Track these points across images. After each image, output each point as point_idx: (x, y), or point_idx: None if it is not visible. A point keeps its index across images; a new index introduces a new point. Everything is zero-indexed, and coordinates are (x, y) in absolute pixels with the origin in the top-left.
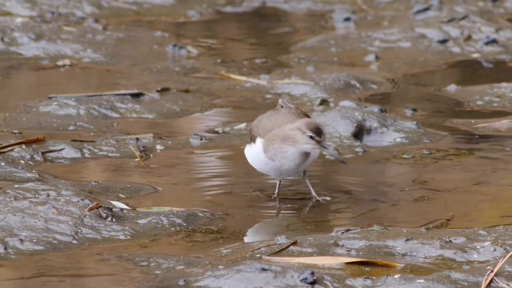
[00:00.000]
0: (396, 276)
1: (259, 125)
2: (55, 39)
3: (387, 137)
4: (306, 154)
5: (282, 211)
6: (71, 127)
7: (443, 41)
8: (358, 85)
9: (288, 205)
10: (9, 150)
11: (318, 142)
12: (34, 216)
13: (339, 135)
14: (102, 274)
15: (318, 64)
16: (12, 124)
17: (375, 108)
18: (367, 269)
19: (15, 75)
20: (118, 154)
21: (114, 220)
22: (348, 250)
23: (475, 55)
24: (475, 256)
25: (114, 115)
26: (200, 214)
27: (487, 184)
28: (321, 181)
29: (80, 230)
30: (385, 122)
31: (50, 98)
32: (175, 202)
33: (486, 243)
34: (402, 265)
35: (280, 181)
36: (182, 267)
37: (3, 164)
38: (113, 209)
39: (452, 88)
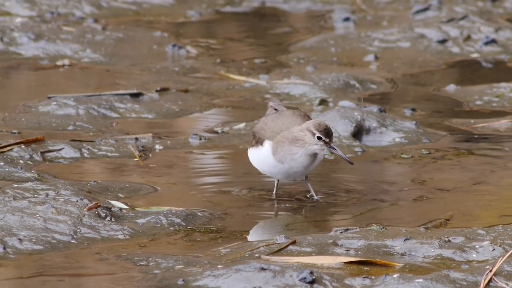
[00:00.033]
0: (395, 275)
1: (266, 127)
2: (54, 39)
3: (386, 137)
4: (314, 156)
5: (281, 211)
6: (70, 127)
7: (443, 41)
8: (357, 85)
9: (287, 205)
10: (8, 150)
11: (327, 143)
12: (33, 216)
13: (338, 135)
14: (101, 273)
15: (317, 64)
16: (11, 124)
17: (374, 108)
18: (366, 268)
19: (15, 75)
20: (117, 154)
21: (113, 220)
22: (347, 250)
23: (475, 55)
24: (474, 255)
25: (114, 115)
26: (199, 213)
27: (486, 183)
28: (320, 181)
29: (79, 230)
30: (384, 122)
31: (49, 98)
32: (174, 201)
33: (485, 243)
34: (401, 264)
35: (278, 180)
36: (181, 266)
37: (2, 164)
38: (112, 209)
39: (451, 88)
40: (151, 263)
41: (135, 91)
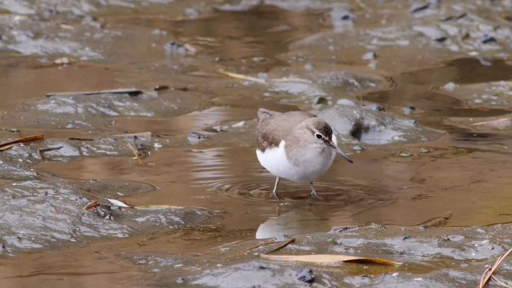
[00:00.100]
0: (394, 274)
1: (279, 128)
2: (53, 37)
3: (385, 135)
4: (328, 155)
5: (280, 210)
6: (69, 126)
7: (441, 39)
8: (356, 83)
9: (286, 203)
10: (7, 149)
11: (326, 142)
12: (32, 214)
13: (337, 133)
14: (100, 272)
15: (316, 63)
16: (10, 122)
17: (373, 107)
18: (365, 267)
19: (13, 73)
20: (116, 153)
21: (112, 218)
22: (346, 248)
23: (473, 54)
24: (473, 254)
25: (112, 113)
26: (198, 212)
27: (485, 182)
28: (319, 180)
29: (78, 228)
30: (383, 121)
31: (48, 96)
32: (173, 200)
33: (484, 241)
34: (400, 263)
35: (279, 179)
36: (180, 265)
37: (1, 162)
38: (111, 207)
39: (450, 86)
40: (150, 262)
41: (134, 89)
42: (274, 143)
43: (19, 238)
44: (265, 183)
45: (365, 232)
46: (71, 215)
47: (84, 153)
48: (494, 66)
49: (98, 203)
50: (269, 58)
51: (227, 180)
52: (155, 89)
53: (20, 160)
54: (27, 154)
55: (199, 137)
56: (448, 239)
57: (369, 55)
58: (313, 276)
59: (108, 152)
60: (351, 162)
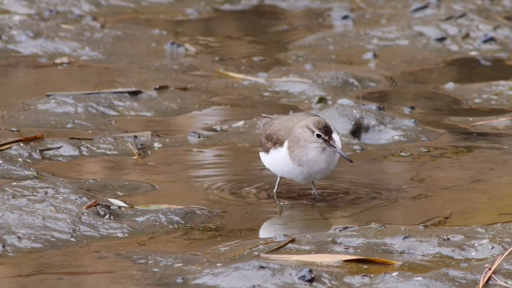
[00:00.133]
0: (394, 273)
1: (283, 128)
2: (53, 37)
3: (385, 135)
4: (331, 154)
5: (280, 209)
6: (69, 125)
7: (441, 39)
8: (356, 83)
9: (286, 203)
10: (7, 148)
11: (326, 141)
12: (32, 214)
13: (337, 133)
14: (100, 271)
15: (316, 62)
16: (10, 122)
17: (373, 106)
18: (365, 266)
19: (13, 73)
20: (116, 152)
21: (112, 218)
22: (346, 248)
23: (473, 53)
24: (473, 253)
25: (112, 113)
26: (198, 211)
27: (485, 181)
28: (319, 179)
29: (78, 228)
30: (383, 120)
31: (48, 96)
32: (173, 199)
33: (484, 241)
34: (400, 262)
35: (280, 178)
36: (180, 264)
37: (1, 162)
38: (111, 207)
39: (450, 86)
40: (150, 261)
41: (133, 89)
42: (278, 143)
43: (19, 237)
44: (265, 183)
45: (365, 232)
46: (71, 215)
47: (84, 153)
48: (494, 66)
49: (98, 202)
50: (269, 57)
51: (227, 179)
52: (155, 89)
53: (20, 159)
54: (27, 154)
55: (199, 137)
56: (448, 239)
57: (369, 55)
58: (313, 275)
59: (108, 152)
60: (351, 161)
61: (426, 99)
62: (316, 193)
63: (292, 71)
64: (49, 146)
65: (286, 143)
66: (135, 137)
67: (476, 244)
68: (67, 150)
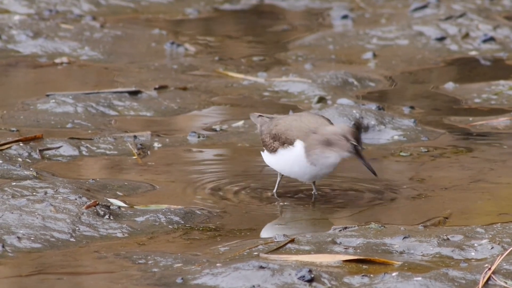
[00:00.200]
0: (394, 274)
1: (292, 128)
2: (52, 36)
3: (385, 134)
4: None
5: (280, 209)
6: (69, 125)
7: (441, 39)
8: (355, 82)
9: (286, 203)
10: (6, 148)
11: (358, 152)
12: (32, 214)
13: None
14: (100, 272)
15: (315, 62)
16: (10, 121)
17: (373, 106)
18: (364, 267)
19: (13, 72)
20: (115, 152)
21: (111, 218)
22: (345, 248)
23: (473, 53)
24: (473, 254)
25: (112, 112)
26: (197, 211)
27: (485, 181)
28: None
29: (77, 228)
30: (383, 120)
31: (47, 95)
32: (173, 199)
33: (484, 241)
34: (400, 262)
35: (280, 178)
36: (179, 265)
37: (0, 162)
38: (111, 207)
39: (449, 85)
40: (150, 262)
41: (133, 89)
42: (287, 142)
43: (18, 237)
44: (265, 182)
45: (364, 232)
46: (71, 215)
47: (84, 153)
48: (494, 66)
49: (97, 202)
50: (269, 57)
51: (227, 179)
52: (155, 89)
53: (20, 159)
54: (26, 154)
55: (198, 137)
56: (448, 239)
57: (368, 55)
58: (312, 275)
59: (107, 152)
60: (376, 175)
61: (426, 99)
62: (316, 193)
63: (292, 70)
64: (48, 146)
65: (299, 143)
66: (135, 137)
67: (475, 244)
68: (66, 150)
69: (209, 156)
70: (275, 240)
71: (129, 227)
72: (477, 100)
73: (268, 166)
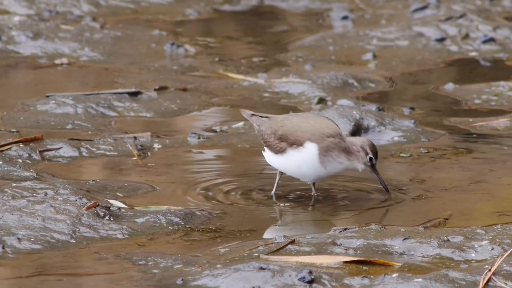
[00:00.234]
0: (394, 275)
1: (301, 129)
2: (52, 37)
3: (385, 135)
4: None
5: (279, 210)
6: (69, 126)
7: (441, 40)
8: (356, 83)
9: (286, 204)
10: (6, 149)
11: (373, 166)
12: (32, 215)
13: None
14: (100, 273)
15: (315, 63)
16: (10, 122)
17: (373, 107)
18: (365, 268)
19: (13, 73)
20: (116, 153)
21: (111, 219)
22: (346, 249)
23: (473, 54)
24: (473, 255)
25: (112, 113)
26: (198, 213)
27: (485, 182)
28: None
29: (77, 229)
30: (383, 121)
31: (47, 96)
32: (173, 201)
33: (484, 242)
34: (400, 264)
35: (279, 179)
36: (180, 266)
37: (0, 163)
38: (111, 208)
39: (449, 86)
40: (150, 263)
41: (133, 90)
42: (296, 143)
43: (18, 239)
44: (265, 184)
45: (364, 233)
46: (71, 216)
47: (84, 154)
48: (494, 66)
49: (97, 203)
50: (269, 58)
51: (226, 180)
52: (155, 90)
53: (20, 160)
54: (26, 155)
55: (198, 138)
56: (448, 240)
57: (368, 55)
58: (313, 277)
59: (107, 153)
60: (389, 192)
61: (426, 100)
62: (315, 194)
63: (292, 71)
64: (48, 147)
65: (311, 145)
66: (135, 138)
67: (476, 246)
68: (66, 151)
69: (209, 157)
70: (275, 241)
71: (129, 228)
72: (477, 101)
73: (269, 166)
